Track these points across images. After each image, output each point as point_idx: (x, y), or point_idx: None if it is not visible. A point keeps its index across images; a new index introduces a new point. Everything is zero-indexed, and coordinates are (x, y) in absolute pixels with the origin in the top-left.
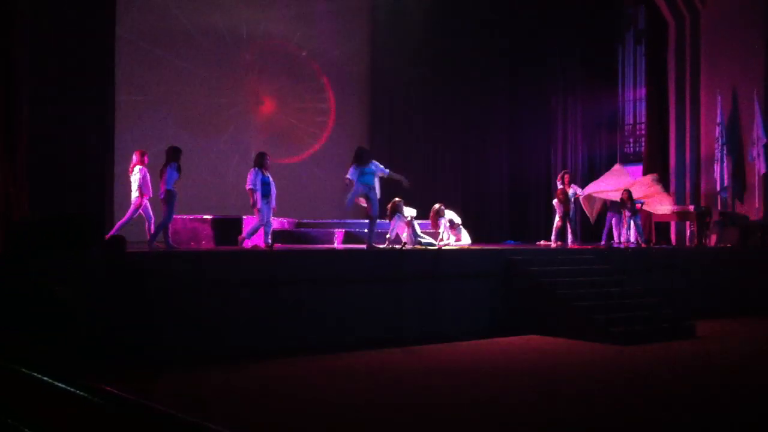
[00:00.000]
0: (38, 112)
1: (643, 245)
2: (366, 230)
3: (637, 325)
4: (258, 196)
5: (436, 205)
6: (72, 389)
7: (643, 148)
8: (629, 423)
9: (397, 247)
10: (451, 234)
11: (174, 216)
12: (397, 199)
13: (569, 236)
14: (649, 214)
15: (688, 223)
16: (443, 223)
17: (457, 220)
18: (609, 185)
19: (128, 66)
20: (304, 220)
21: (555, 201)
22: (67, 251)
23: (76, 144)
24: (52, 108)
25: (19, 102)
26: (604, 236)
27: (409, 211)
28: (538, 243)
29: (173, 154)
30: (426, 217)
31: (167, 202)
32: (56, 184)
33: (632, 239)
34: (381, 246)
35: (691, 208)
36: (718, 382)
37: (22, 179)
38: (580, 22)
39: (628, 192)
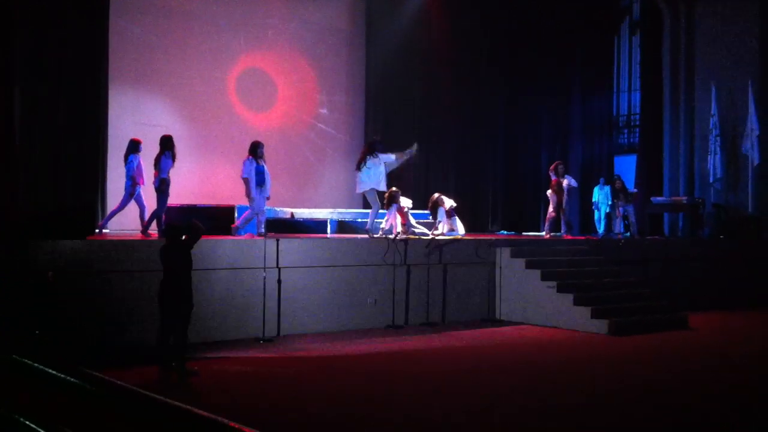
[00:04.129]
0: (32, 103)
1: (636, 236)
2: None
3: (630, 316)
4: (252, 185)
5: (435, 195)
6: (70, 378)
7: (637, 140)
8: (620, 413)
9: (391, 236)
10: (446, 224)
11: (170, 205)
12: (394, 189)
13: (562, 227)
14: (643, 206)
15: (681, 214)
16: (442, 212)
17: (452, 204)
18: None
19: (122, 54)
20: (298, 209)
21: (549, 192)
22: (61, 240)
23: (70, 134)
24: (45, 98)
25: (13, 93)
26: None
27: (406, 201)
28: (525, 234)
29: (167, 143)
30: (420, 208)
31: (162, 190)
32: (50, 174)
33: (622, 229)
34: (375, 235)
35: (684, 199)
36: (710, 373)
37: (15, 170)
38: (576, 12)
39: (621, 182)
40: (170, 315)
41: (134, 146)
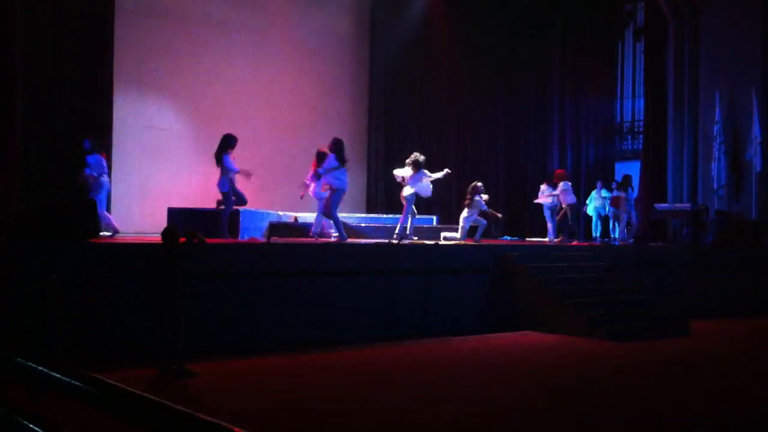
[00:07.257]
0: (32, 102)
1: (632, 239)
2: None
3: (631, 322)
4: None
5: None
6: (68, 379)
7: (640, 146)
8: (620, 421)
9: (395, 241)
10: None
11: (171, 208)
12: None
13: (565, 233)
14: (647, 210)
15: (684, 220)
16: (480, 202)
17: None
18: None
19: (126, 55)
20: (301, 214)
21: (551, 198)
22: (60, 241)
23: (70, 134)
24: (46, 97)
25: (12, 92)
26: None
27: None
28: (528, 239)
29: (232, 141)
30: (423, 213)
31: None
32: (49, 175)
33: (619, 236)
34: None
35: (688, 206)
36: (711, 380)
37: (13, 169)
38: (579, 18)
39: (626, 180)
40: (165, 317)
41: (230, 142)
